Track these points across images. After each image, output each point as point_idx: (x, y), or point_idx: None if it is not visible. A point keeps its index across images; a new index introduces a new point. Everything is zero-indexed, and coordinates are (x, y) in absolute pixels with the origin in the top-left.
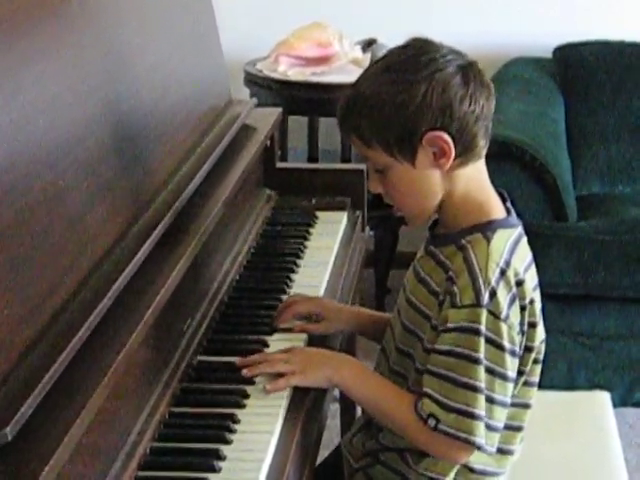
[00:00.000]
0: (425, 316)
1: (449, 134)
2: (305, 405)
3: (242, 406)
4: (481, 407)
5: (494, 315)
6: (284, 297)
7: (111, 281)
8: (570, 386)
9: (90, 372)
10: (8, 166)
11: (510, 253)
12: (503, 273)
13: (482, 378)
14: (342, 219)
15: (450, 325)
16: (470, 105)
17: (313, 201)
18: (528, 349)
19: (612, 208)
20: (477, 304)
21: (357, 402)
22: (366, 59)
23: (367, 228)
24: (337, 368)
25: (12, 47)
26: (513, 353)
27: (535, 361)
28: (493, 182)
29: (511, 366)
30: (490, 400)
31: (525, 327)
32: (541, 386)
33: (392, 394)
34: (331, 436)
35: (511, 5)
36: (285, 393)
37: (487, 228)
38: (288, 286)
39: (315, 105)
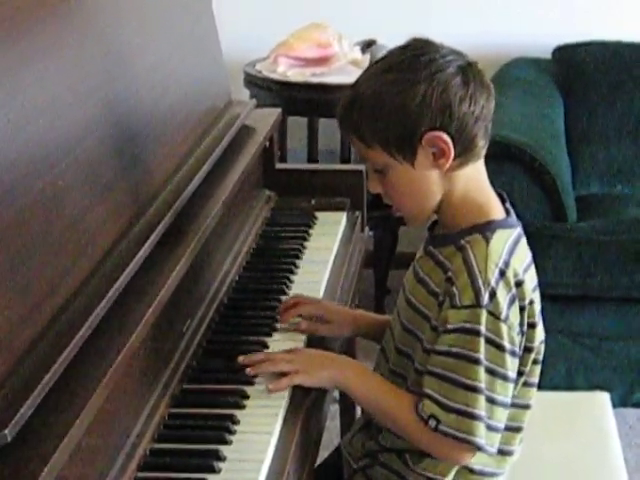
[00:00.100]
0: (424, 316)
1: (449, 134)
2: (305, 406)
3: (242, 407)
4: (481, 408)
5: (494, 316)
6: (284, 298)
7: (111, 281)
8: (570, 386)
9: (90, 373)
10: (8, 166)
11: (509, 254)
12: (502, 274)
13: (482, 379)
14: (341, 219)
15: (450, 326)
16: (470, 106)
17: (312, 202)
18: (528, 350)
19: (611, 208)
20: (477, 305)
21: (359, 403)
22: (365, 60)
23: (366, 228)
24: (341, 369)
25: (12, 47)
26: (513, 353)
27: (535, 362)
28: (492, 183)
29: (511, 366)
30: (491, 401)
31: (525, 328)
32: (541, 387)
33: (393, 395)
34: (331, 437)
35: (511, 6)
36: (285, 394)
37: (486, 228)
38: (287, 287)
39: (314, 106)
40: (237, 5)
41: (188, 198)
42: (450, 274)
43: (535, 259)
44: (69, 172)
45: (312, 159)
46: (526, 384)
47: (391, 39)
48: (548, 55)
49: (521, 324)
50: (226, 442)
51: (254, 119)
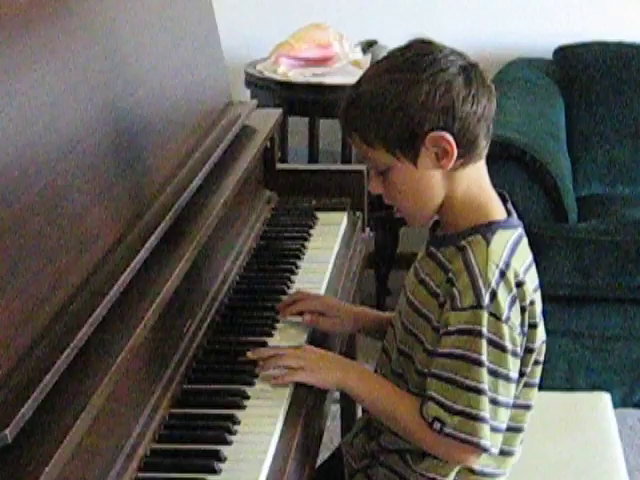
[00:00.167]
0: (425, 317)
1: (451, 134)
2: (305, 406)
3: (242, 407)
4: (485, 409)
5: (495, 316)
6: (284, 298)
7: (111, 282)
8: (570, 387)
9: (90, 373)
10: (8, 166)
11: (510, 254)
12: (503, 274)
13: (485, 380)
14: (342, 220)
15: (451, 328)
16: (472, 106)
17: (313, 202)
18: (529, 350)
19: (612, 209)
20: (478, 306)
21: (363, 406)
22: (366, 60)
23: (367, 229)
24: (346, 371)
25: (12, 47)
26: (515, 354)
27: (536, 362)
28: (493, 183)
29: (513, 367)
30: (494, 402)
31: (526, 328)
32: (541, 387)
33: (397, 398)
34: (331, 437)
35: (511, 6)
36: (285, 394)
37: (487, 229)
38: (288, 287)
39: (315, 106)
40: (238, 5)
41: (189, 198)
42: (451, 275)
43: (536, 260)
44: (69, 172)
45: (313, 159)
46: (527, 385)
47: (392, 39)
48: (549, 55)
49: (522, 324)
50: (226, 442)
51: (255, 119)
